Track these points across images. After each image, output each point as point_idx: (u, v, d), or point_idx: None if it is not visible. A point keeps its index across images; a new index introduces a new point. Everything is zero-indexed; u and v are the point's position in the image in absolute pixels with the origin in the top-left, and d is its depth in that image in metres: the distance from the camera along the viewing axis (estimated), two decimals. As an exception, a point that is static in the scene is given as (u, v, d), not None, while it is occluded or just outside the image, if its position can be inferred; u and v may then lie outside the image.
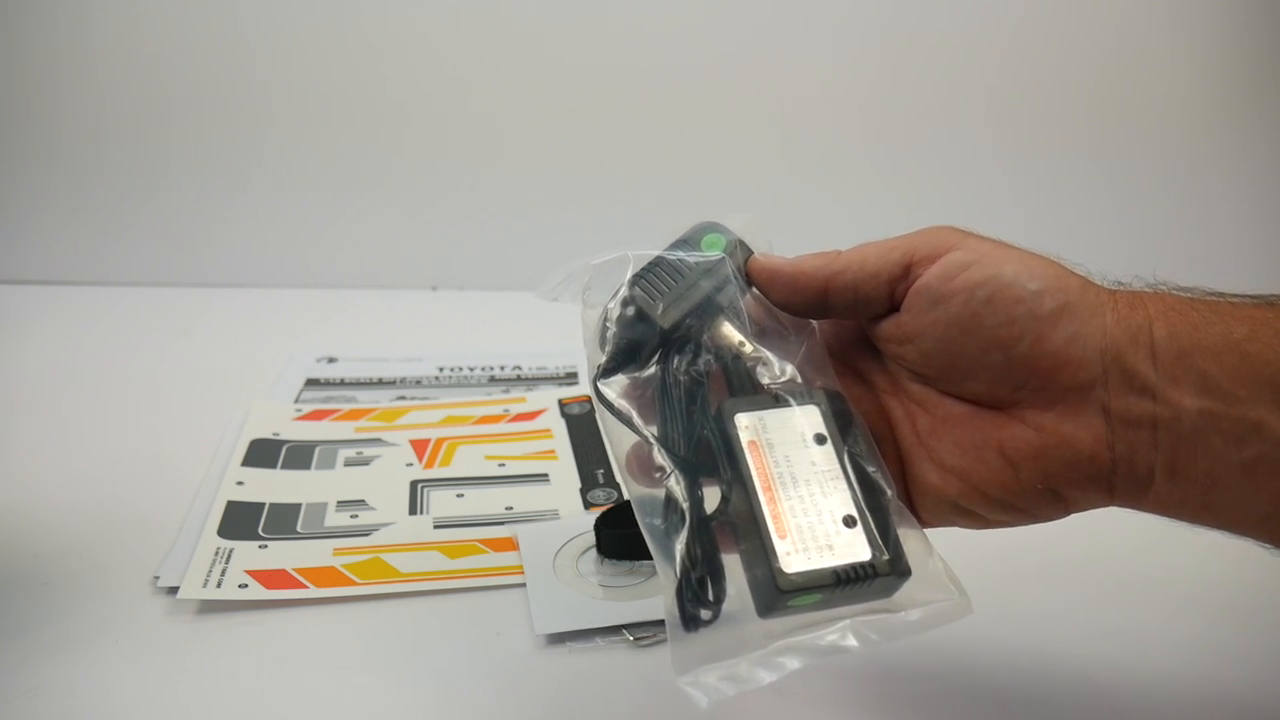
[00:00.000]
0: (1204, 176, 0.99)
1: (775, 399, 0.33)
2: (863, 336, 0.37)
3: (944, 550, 0.33)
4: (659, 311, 0.34)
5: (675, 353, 0.34)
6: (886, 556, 0.31)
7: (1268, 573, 0.45)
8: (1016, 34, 0.94)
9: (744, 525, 0.32)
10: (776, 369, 0.34)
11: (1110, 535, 0.50)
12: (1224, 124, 0.98)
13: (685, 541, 0.31)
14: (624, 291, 0.34)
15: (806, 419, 0.33)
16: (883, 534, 0.31)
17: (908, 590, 0.32)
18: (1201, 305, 0.32)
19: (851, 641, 0.31)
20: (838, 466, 0.32)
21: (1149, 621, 0.46)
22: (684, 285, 0.34)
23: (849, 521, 0.31)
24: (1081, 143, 0.98)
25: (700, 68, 0.93)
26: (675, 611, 0.31)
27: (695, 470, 0.32)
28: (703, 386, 0.33)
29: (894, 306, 0.34)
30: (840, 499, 0.32)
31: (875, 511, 0.32)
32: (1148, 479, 0.32)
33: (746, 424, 0.32)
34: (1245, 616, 0.47)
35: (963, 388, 0.34)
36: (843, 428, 0.33)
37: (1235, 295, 0.33)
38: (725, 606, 0.31)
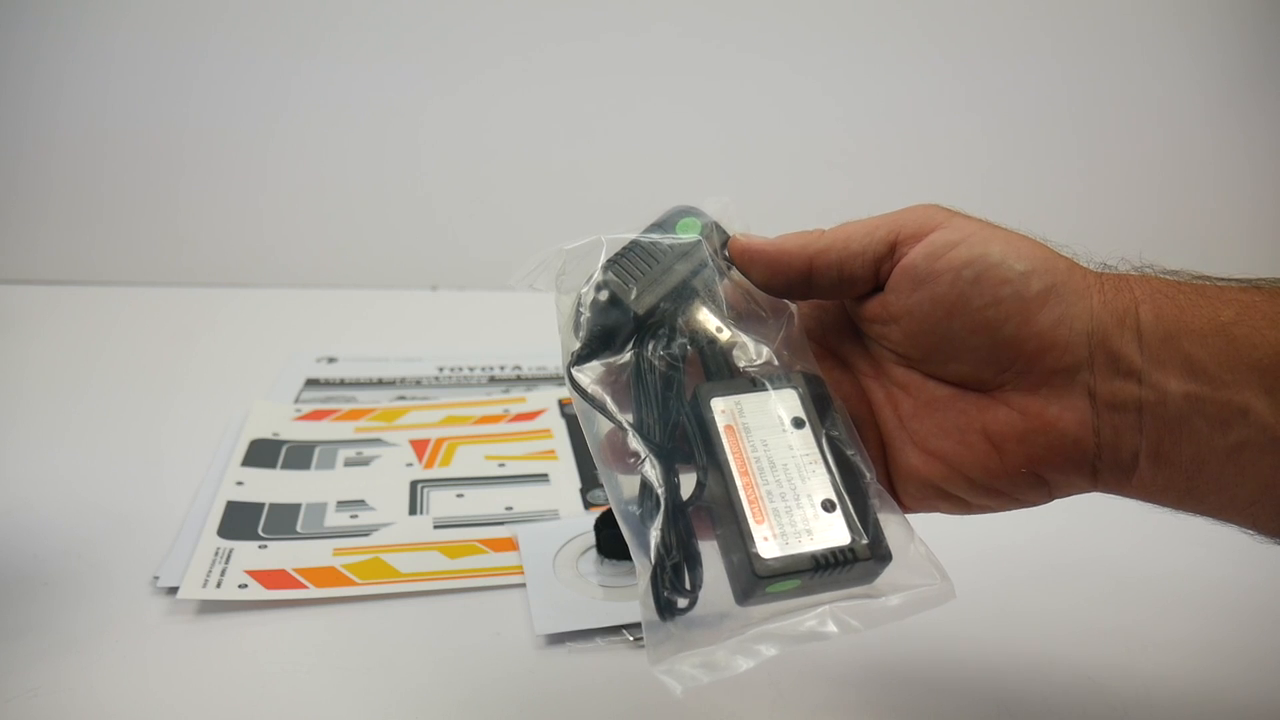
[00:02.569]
0: (1192, 157, 1.00)
1: (752, 383, 0.34)
2: (844, 320, 0.38)
3: (937, 548, 0.34)
4: (633, 296, 0.35)
5: (650, 338, 0.35)
6: (866, 541, 0.32)
7: (1268, 573, 0.47)
8: (1005, 11, 0.96)
9: (721, 511, 0.32)
10: (753, 352, 0.35)
11: (1109, 535, 0.52)
12: (1213, 108, 0.99)
13: (660, 528, 0.32)
14: (598, 276, 0.35)
15: (784, 403, 0.34)
16: (862, 518, 0.32)
17: (889, 575, 0.33)
18: (1188, 288, 0.33)
19: (831, 628, 0.32)
20: (816, 450, 0.33)
21: (1148, 621, 0.47)
22: (659, 269, 0.35)
23: (828, 506, 0.32)
24: (1068, 125, 0.99)
25: (698, 67, 0.96)
26: (650, 599, 0.32)
27: (671, 456, 0.33)
28: (678, 371, 0.34)
29: (878, 286, 0.35)
30: (819, 483, 0.32)
31: (855, 495, 0.33)
32: (1132, 464, 0.33)
33: (723, 408, 0.33)
34: (1245, 616, 0.47)
35: (947, 369, 0.35)
36: (821, 411, 0.34)
37: (1222, 278, 0.33)
38: (702, 593, 0.32)
